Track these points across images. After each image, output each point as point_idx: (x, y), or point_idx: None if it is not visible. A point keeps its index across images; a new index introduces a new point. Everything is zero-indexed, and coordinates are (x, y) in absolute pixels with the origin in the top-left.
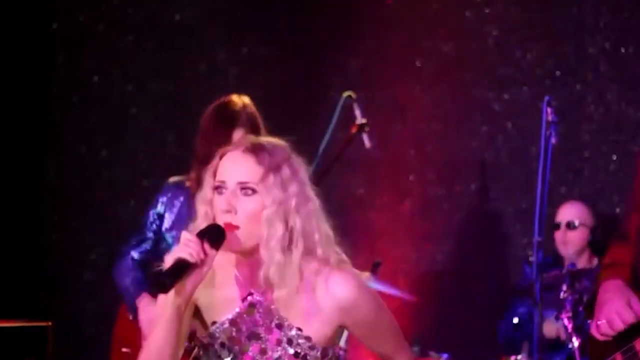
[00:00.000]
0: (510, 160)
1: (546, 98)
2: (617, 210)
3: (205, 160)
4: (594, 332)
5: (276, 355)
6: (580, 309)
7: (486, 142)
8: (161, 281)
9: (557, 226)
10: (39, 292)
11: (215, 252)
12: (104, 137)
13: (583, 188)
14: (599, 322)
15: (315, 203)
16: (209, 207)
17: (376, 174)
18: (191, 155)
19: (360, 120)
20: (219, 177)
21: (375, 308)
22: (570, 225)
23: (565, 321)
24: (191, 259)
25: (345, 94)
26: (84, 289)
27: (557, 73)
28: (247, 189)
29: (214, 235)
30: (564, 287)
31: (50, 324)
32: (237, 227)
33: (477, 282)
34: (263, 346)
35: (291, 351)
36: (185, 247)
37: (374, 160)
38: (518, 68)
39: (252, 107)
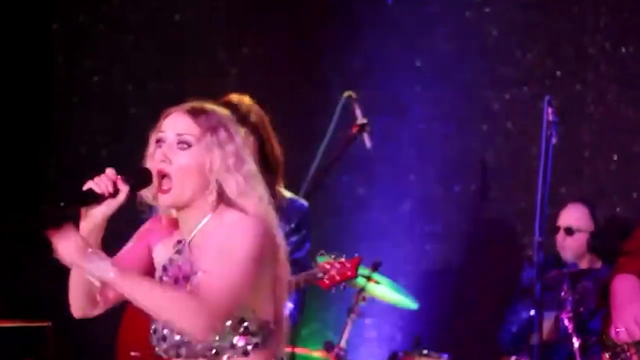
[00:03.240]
0: (511, 160)
1: (546, 98)
2: (617, 210)
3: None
4: (614, 337)
5: None
6: (581, 309)
7: (486, 142)
8: (59, 200)
9: (557, 229)
10: (39, 292)
11: (128, 189)
12: (104, 137)
13: (583, 188)
14: (618, 330)
15: (251, 166)
16: (151, 162)
17: (376, 174)
18: None
19: (361, 120)
20: (159, 129)
21: (233, 239)
22: (568, 231)
23: (566, 321)
24: (98, 190)
25: (346, 94)
26: None
27: (557, 73)
28: (184, 143)
29: (136, 176)
30: (565, 287)
31: (50, 324)
32: (167, 174)
33: (477, 282)
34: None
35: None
36: (98, 179)
37: (374, 160)
38: (518, 68)
39: (245, 107)
